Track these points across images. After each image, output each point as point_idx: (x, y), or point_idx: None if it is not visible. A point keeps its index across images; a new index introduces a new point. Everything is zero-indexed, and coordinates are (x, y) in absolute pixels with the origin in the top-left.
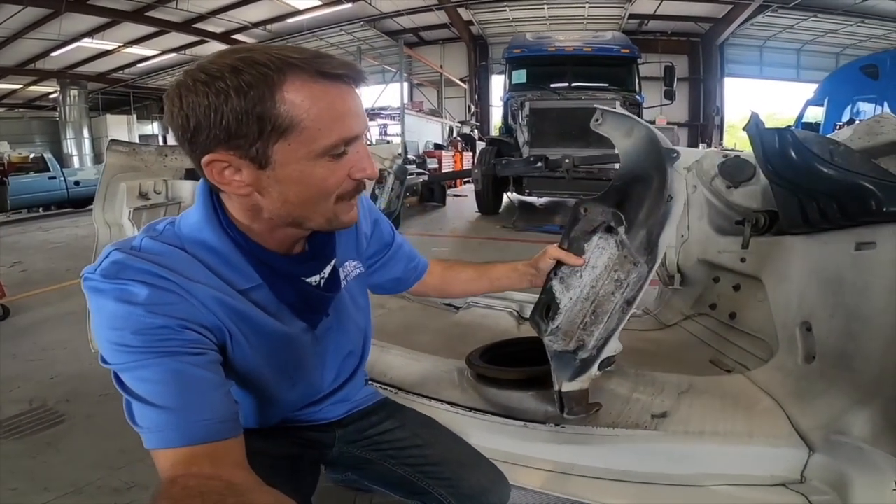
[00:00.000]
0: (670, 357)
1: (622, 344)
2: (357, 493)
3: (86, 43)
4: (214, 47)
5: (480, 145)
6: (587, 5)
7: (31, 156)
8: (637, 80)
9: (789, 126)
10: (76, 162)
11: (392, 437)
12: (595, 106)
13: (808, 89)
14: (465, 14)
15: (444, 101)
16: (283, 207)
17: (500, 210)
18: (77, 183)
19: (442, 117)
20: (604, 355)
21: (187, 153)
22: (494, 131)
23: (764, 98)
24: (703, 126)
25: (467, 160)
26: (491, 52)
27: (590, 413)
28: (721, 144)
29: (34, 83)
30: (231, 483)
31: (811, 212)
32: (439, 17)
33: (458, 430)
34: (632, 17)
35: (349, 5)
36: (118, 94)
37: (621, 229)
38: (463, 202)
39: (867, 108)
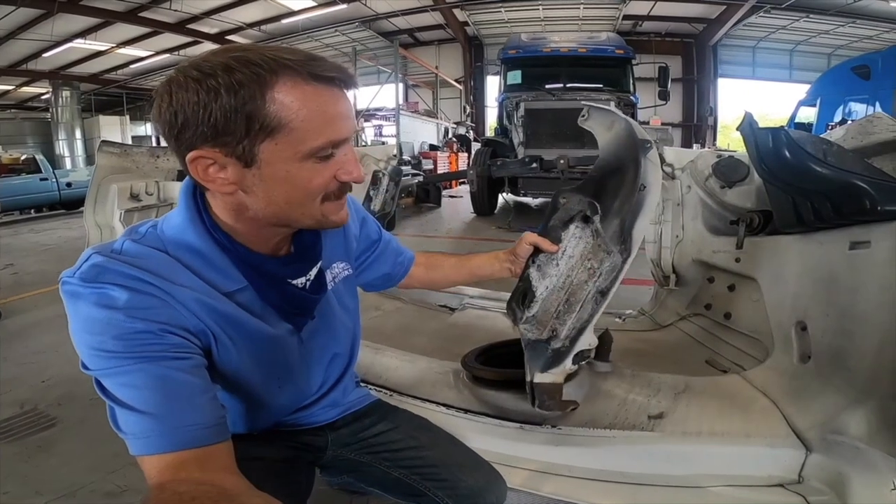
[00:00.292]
0: (666, 357)
1: (620, 343)
2: (353, 495)
3: (78, 43)
4: (208, 48)
5: (476, 146)
6: (582, 6)
7: (23, 157)
8: (631, 81)
9: (782, 126)
10: (68, 163)
11: (387, 440)
12: (583, 104)
13: (801, 90)
14: (460, 15)
15: (440, 101)
16: (268, 207)
17: (496, 211)
18: (69, 184)
19: (437, 118)
20: (577, 348)
21: (173, 150)
22: (490, 132)
23: (757, 98)
24: (696, 127)
25: (463, 161)
26: (486, 53)
27: (565, 411)
28: (714, 145)
29: (26, 84)
30: (222, 488)
31: (805, 211)
32: (435, 17)
33: (453, 431)
34: (626, 18)
35: (344, 6)
36: (111, 94)
37: (596, 218)
38: (458, 203)
39: (859, 109)
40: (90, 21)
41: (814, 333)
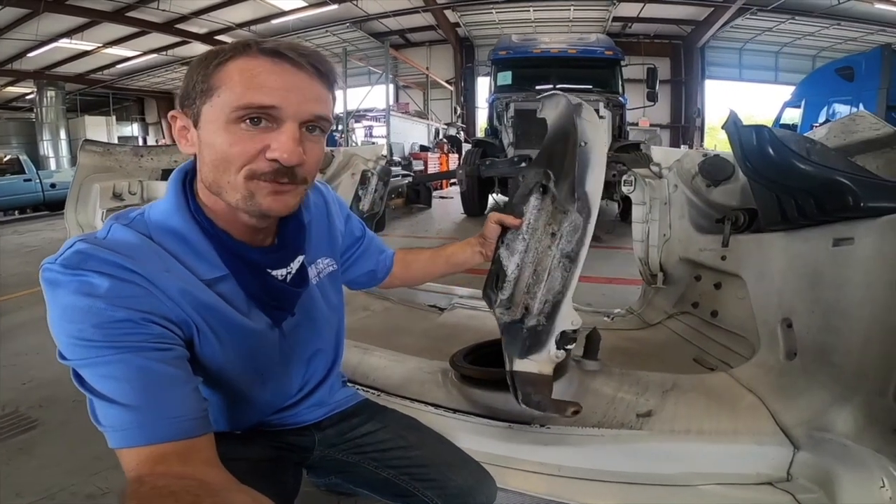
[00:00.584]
0: (654, 356)
1: (608, 342)
2: (340, 496)
3: (64, 43)
4: (197, 48)
5: (466, 147)
6: (572, 8)
7: (6, 157)
8: (620, 82)
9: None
10: (53, 164)
11: (375, 440)
12: (540, 97)
13: (786, 91)
14: (451, 16)
15: (430, 102)
16: (207, 171)
17: (486, 211)
18: (53, 185)
19: (428, 119)
20: (558, 327)
21: None
22: (480, 133)
23: (743, 100)
24: (684, 128)
25: (453, 162)
26: (477, 54)
27: (563, 413)
28: (702, 146)
29: (10, 84)
30: (204, 482)
31: (789, 209)
32: (426, 18)
33: (442, 431)
34: (616, 19)
35: (335, 7)
36: (97, 95)
37: (551, 184)
38: (449, 204)
39: (843, 110)
40: (76, 21)
41: (799, 330)
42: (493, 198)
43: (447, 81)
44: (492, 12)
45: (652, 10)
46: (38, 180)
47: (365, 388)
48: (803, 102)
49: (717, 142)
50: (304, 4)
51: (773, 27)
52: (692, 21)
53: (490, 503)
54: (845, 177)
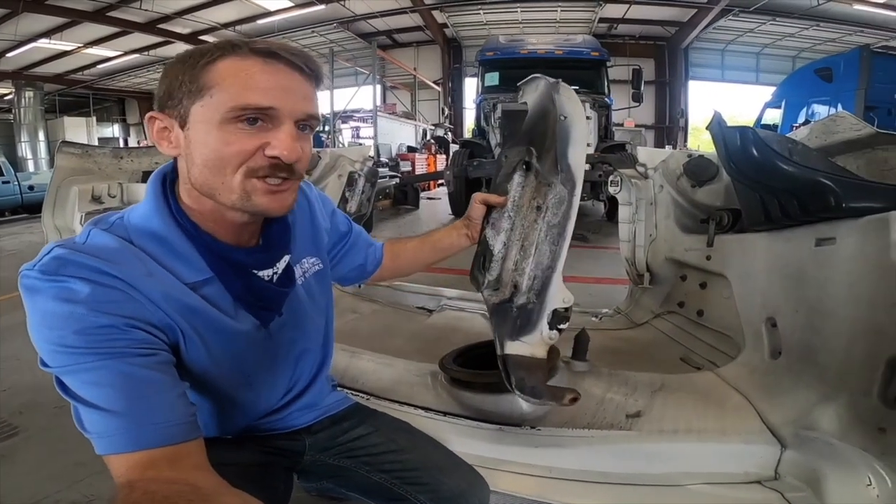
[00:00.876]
0: (642, 355)
1: (596, 342)
2: (331, 501)
3: (43, 43)
4: (180, 48)
5: (454, 148)
6: (559, 9)
7: None
8: (606, 83)
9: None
10: (31, 166)
11: (366, 444)
12: (520, 83)
13: (767, 92)
14: (439, 17)
15: (418, 103)
16: (198, 173)
17: None
18: (31, 188)
19: (415, 120)
20: (549, 305)
21: None
22: (468, 134)
23: (725, 100)
24: (668, 128)
25: (441, 163)
26: (465, 55)
27: (561, 401)
28: (686, 146)
29: None
30: (195, 486)
31: (772, 209)
32: (413, 19)
33: (432, 435)
34: (602, 20)
35: (322, 7)
36: (76, 95)
37: (534, 160)
38: (436, 205)
39: (821, 111)
40: (56, 20)
41: (783, 329)
42: None
43: (434, 82)
44: (479, 13)
45: (637, 12)
46: (15, 182)
47: (354, 392)
48: (783, 103)
49: (700, 142)
50: (291, 4)
51: (754, 28)
52: (676, 22)
53: None
54: (827, 177)
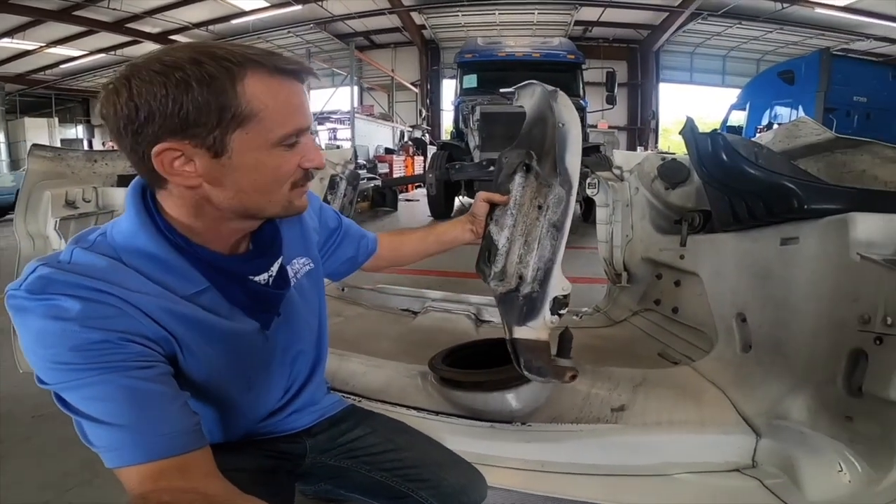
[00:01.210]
0: (622, 352)
1: (578, 340)
2: (331, 503)
3: (5, 42)
4: (149, 48)
5: (432, 150)
6: (536, 12)
7: None
8: (581, 86)
9: (716, 130)
10: None
11: (365, 444)
12: (513, 88)
13: (733, 94)
14: (417, 18)
15: (395, 105)
16: (236, 197)
17: (453, 214)
18: None
19: (393, 121)
20: (550, 293)
21: (128, 146)
22: (446, 136)
23: (694, 103)
24: (640, 130)
25: (419, 165)
26: (443, 57)
27: (562, 378)
28: (657, 147)
29: None
30: (207, 495)
31: (740, 210)
32: (392, 20)
33: (427, 434)
34: (577, 23)
35: (299, 7)
36: (38, 95)
37: (534, 163)
38: (415, 207)
39: (784, 113)
40: (19, 20)
41: (753, 324)
42: (460, 200)
43: (412, 84)
44: (458, 15)
45: (612, 15)
46: None
47: (345, 395)
48: (748, 105)
49: (670, 143)
50: (267, 5)
51: (721, 32)
52: (649, 25)
53: (482, 501)
54: (790, 181)
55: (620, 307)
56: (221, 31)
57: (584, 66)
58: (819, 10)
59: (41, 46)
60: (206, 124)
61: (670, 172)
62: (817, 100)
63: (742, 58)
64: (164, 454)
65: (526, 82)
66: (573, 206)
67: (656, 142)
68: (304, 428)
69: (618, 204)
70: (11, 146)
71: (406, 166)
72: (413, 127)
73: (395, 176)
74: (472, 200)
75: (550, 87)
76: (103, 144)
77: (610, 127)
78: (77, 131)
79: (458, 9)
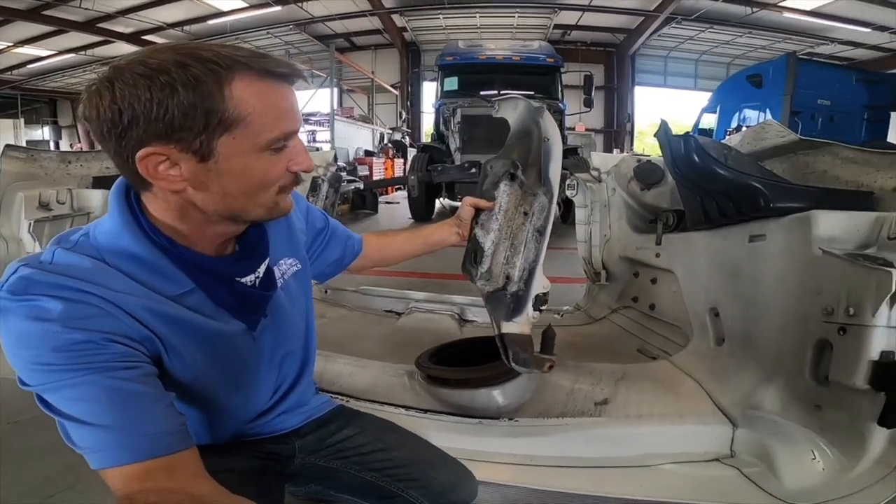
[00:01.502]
0: (603, 348)
1: (560, 338)
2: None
3: None
4: (121, 48)
5: (412, 152)
6: (517, 15)
7: None
8: (560, 89)
9: (688, 132)
10: None
11: (354, 444)
12: (493, 99)
13: (704, 97)
14: (398, 20)
15: (375, 107)
16: (222, 201)
17: (433, 216)
18: None
19: (373, 124)
20: (533, 291)
21: (112, 149)
22: (426, 138)
23: (668, 106)
24: (616, 132)
25: (399, 167)
26: (423, 59)
27: (542, 368)
28: (632, 150)
29: None
30: (195, 495)
31: (711, 209)
32: (372, 22)
33: (415, 432)
34: (557, 27)
35: (278, 8)
36: (4, 96)
37: (519, 173)
38: (396, 209)
39: (752, 115)
40: None
41: (725, 319)
42: (441, 202)
43: (392, 86)
44: (439, 17)
45: (590, 18)
46: None
47: (332, 395)
48: (718, 108)
49: (644, 145)
50: (245, 5)
51: (694, 36)
52: (625, 29)
53: (473, 498)
54: (757, 181)
55: (600, 305)
56: (198, 32)
57: (562, 70)
58: (787, 15)
59: (8, 46)
60: (192, 129)
61: (645, 174)
62: (784, 103)
63: (713, 62)
64: (150, 455)
65: (509, 96)
66: (553, 213)
67: (632, 144)
68: (293, 429)
69: (596, 205)
70: None
71: (386, 169)
72: (393, 129)
73: (375, 178)
74: (453, 203)
75: (536, 104)
76: (70, 146)
77: (587, 129)
78: (43, 132)
79: (439, 11)
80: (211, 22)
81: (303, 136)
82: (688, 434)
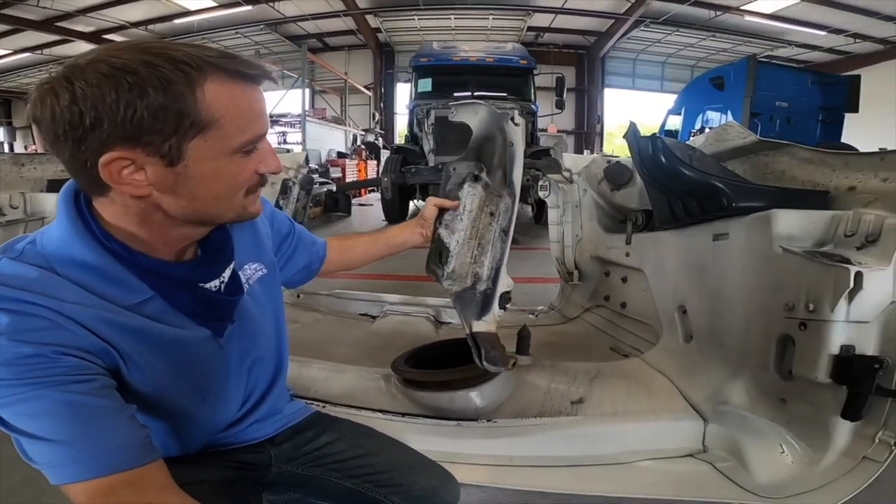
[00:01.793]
0: (577, 347)
1: (535, 338)
2: None
3: None
4: (80, 47)
5: (385, 153)
6: (491, 17)
7: None
8: (533, 90)
9: (655, 134)
10: None
11: (332, 451)
12: (451, 104)
13: (670, 99)
14: (373, 21)
15: (348, 108)
16: (190, 205)
17: (408, 218)
18: None
19: (346, 125)
20: (500, 289)
21: (67, 152)
22: (399, 139)
23: (636, 107)
24: (586, 133)
25: (372, 169)
26: (397, 60)
27: (507, 365)
28: (602, 151)
29: None
30: None
31: (677, 209)
32: (346, 23)
33: (393, 436)
34: (530, 29)
35: (248, 8)
36: None
37: (483, 175)
38: (369, 211)
39: (714, 117)
40: None
41: (693, 315)
42: (415, 204)
43: (366, 87)
44: (414, 19)
45: (562, 21)
46: None
47: (308, 401)
48: (683, 110)
49: (614, 146)
50: (214, 4)
51: (661, 39)
52: (596, 32)
53: (456, 501)
54: (720, 181)
55: (573, 305)
56: (162, 31)
57: (535, 72)
58: (748, 18)
59: None
60: (162, 131)
61: (615, 174)
62: (744, 105)
63: (679, 64)
64: (113, 469)
65: (469, 101)
66: (516, 213)
67: (601, 145)
68: (268, 437)
69: (568, 205)
70: None
71: (359, 170)
72: (366, 131)
73: (347, 180)
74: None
75: (500, 110)
76: (25, 148)
77: (559, 131)
78: None
79: (414, 13)
80: (177, 21)
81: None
82: (661, 430)
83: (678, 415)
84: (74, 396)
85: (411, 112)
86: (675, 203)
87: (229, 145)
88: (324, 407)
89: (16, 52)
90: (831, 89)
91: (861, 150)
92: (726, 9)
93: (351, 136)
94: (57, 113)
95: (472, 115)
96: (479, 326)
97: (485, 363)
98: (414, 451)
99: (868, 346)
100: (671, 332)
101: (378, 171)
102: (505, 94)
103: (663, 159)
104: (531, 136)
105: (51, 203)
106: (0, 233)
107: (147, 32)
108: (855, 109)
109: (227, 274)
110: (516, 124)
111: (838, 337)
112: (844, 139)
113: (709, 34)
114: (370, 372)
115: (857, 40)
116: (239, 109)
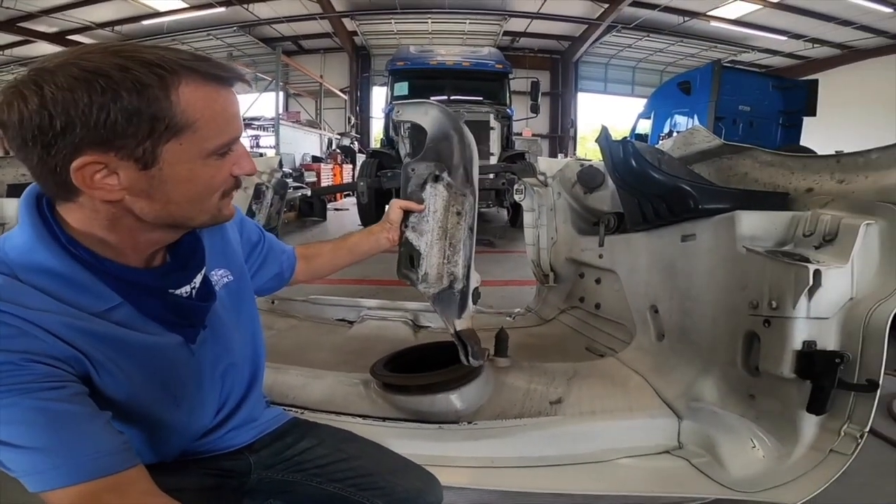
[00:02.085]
0: (554, 348)
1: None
2: None
3: None
4: (44, 48)
5: (361, 158)
6: (468, 21)
7: None
8: (508, 94)
9: (626, 138)
10: None
11: (313, 456)
12: (394, 104)
13: (640, 103)
14: (349, 24)
15: (323, 112)
16: (165, 208)
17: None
18: None
19: (321, 129)
20: (471, 286)
21: (35, 157)
22: (375, 143)
23: (608, 111)
24: (560, 137)
25: (347, 173)
26: (373, 64)
27: (483, 357)
28: (575, 154)
29: None
30: None
31: (647, 211)
32: (322, 25)
33: (375, 441)
34: (506, 33)
35: (221, 9)
36: None
37: (445, 174)
38: (345, 216)
39: (682, 121)
40: None
41: (664, 314)
42: None
43: (341, 90)
44: (390, 22)
45: (538, 26)
46: None
47: (286, 408)
48: (652, 114)
49: (587, 150)
50: (185, 6)
51: (632, 44)
52: (570, 37)
53: (439, 503)
54: (687, 184)
55: (550, 306)
56: (130, 33)
57: (511, 76)
58: (714, 24)
59: None
60: (136, 135)
61: (587, 178)
62: (709, 109)
63: (649, 69)
64: (95, 475)
65: (417, 101)
66: (477, 209)
67: (575, 149)
68: (245, 444)
69: (543, 208)
70: None
71: (334, 175)
72: (342, 134)
73: (323, 185)
74: None
75: (453, 111)
76: None
77: (533, 135)
78: None
79: (391, 16)
80: (146, 22)
81: (245, 142)
82: (638, 428)
83: (653, 412)
84: (46, 403)
85: (387, 116)
86: (645, 205)
87: (205, 148)
88: (302, 413)
89: None
90: (791, 93)
91: (818, 152)
92: (694, 14)
93: (326, 140)
94: (25, 117)
95: (423, 114)
96: (460, 324)
97: (471, 360)
98: (395, 454)
99: (829, 341)
100: (644, 331)
101: (354, 176)
102: (481, 98)
103: (634, 163)
104: (507, 140)
105: (10, 208)
106: None
107: (114, 34)
108: (813, 113)
109: (198, 279)
110: (491, 128)
111: (800, 333)
112: (803, 142)
113: (677, 39)
114: (349, 377)
115: (815, 45)
116: (214, 112)
